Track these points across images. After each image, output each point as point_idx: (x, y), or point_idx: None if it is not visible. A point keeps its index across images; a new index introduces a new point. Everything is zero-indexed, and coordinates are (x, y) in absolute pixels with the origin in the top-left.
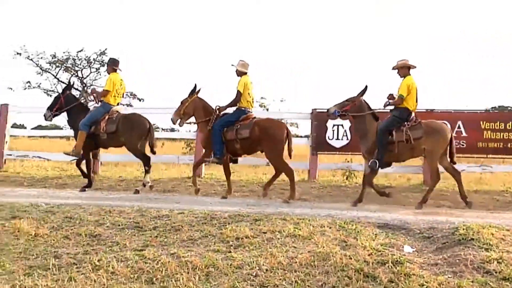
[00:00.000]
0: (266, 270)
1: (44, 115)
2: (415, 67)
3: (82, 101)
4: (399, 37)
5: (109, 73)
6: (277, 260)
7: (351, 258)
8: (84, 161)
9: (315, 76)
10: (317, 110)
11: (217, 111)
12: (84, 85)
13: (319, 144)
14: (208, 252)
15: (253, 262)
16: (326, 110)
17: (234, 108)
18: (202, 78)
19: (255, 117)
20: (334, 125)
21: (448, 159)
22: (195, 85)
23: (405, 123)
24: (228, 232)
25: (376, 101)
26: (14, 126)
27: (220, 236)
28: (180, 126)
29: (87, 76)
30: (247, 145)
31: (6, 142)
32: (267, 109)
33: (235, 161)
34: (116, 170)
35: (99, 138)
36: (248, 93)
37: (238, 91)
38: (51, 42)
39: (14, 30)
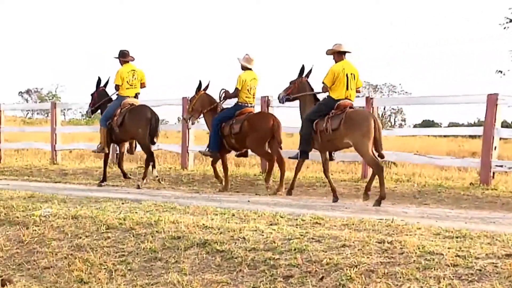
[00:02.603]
0: None
1: (87, 111)
2: (350, 52)
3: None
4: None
5: (121, 66)
6: None
7: None
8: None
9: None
10: None
11: (224, 95)
12: None
13: None
14: None
15: None
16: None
17: (233, 103)
18: None
19: (250, 112)
20: None
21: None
22: (200, 81)
23: (331, 112)
24: None
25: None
26: (504, 125)
27: None
28: (192, 124)
29: None
30: (240, 139)
31: (495, 148)
32: None
33: (244, 155)
34: None
35: (114, 131)
36: (248, 90)
37: (236, 88)
38: None
39: None
